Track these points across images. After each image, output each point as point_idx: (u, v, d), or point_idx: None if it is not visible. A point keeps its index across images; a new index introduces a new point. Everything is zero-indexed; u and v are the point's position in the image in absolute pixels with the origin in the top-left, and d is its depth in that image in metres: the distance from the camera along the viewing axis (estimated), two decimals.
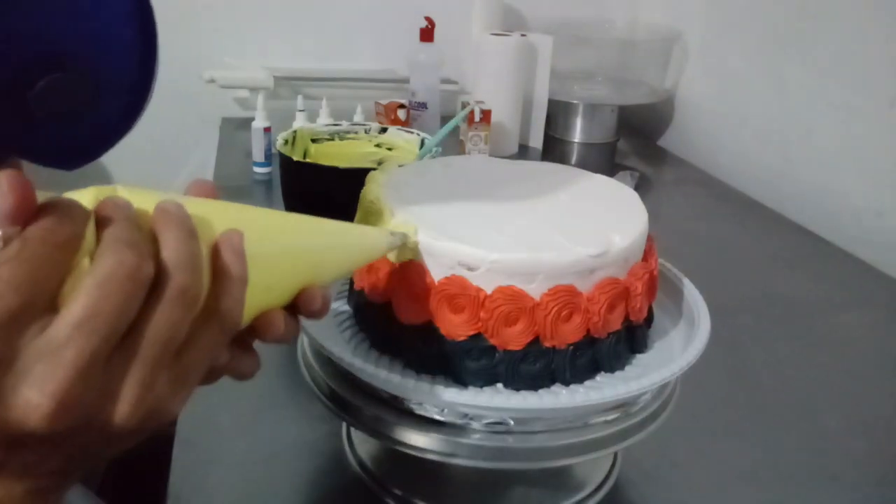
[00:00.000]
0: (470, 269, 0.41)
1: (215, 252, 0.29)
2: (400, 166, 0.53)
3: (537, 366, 0.42)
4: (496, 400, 0.41)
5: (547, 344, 0.42)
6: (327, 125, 0.82)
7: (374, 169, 0.52)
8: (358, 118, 1.10)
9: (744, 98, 1.22)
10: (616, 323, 0.44)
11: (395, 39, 1.36)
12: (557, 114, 1.36)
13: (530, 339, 0.42)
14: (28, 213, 0.24)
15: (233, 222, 0.30)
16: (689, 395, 0.48)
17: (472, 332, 0.42)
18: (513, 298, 0.41)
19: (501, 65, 1.21)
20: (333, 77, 1.33)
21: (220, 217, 0.30)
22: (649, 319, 0.49)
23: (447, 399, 0.40)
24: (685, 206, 1.14)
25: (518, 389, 0.43)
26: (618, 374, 0.46)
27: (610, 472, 0.53)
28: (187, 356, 0.27)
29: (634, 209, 0.49)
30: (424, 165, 0.57)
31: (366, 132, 0.82)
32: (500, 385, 0.43)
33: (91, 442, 0.26)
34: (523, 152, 1.27)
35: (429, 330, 0.43)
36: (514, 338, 0.42)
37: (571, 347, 0.43)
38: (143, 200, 0.28)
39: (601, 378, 0.45)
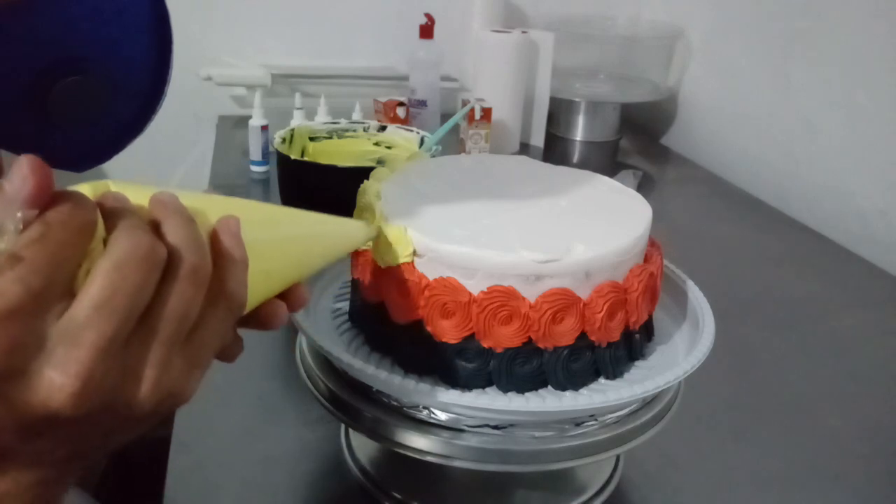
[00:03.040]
0: (417, 255, 0.42)
1: (214, 237, 0.29)
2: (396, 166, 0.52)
3: (473, 365, 0.42)
4: (482, 401, 0.40)
5: (485, 344, 0.42)
6: (325, 123, 0.81)
7: (373, 168, 0.52)
8: (357, 116, 1.10)
9: (747, 96, 1.21)
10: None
11: (394, 36, 1.35)
12: (559, 112, 1.35)
13: (466, 335, 0.42)
14: (47, 197, 0.24)
15: (225, 212, 0.30)
16: (692, 397, 0.47)
17: (414, 318, 0.43)
18: (448, 290, 0.41)
19: (502, 62, 1.20)
20: (332, 74, 1.32)
21: (212, 207, 0.30)
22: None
23: (444, 401, 0.39)
24: (688, 204, 1.13)
25: (464, 388, 0.42)
26: (625, 375, 0.45)
27: (612, 474, 0.52)
28: (199, 337, 0.28)
29: (635, 212, 0.48)
30: (429, 165, 0.56)
31: (364, 130, 0.81)
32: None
33: (110, 425, 0.26)
34: (524, 151, 1.26)
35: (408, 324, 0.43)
36: (447, 330, 0.42)
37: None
38: (137, 195, 0.28)
39: (603, 381, 0.45)
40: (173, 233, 0.27)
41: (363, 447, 0.53)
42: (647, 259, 0.46)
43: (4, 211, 0.23)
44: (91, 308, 0.24)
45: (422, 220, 0.44)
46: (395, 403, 0.42)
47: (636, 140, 1.41)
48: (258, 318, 0.33)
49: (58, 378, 0.23)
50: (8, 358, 0.23)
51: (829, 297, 0.84)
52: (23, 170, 0.23)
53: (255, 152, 1.07)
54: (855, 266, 0.91)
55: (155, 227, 0.27)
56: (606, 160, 1.30)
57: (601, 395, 0.40)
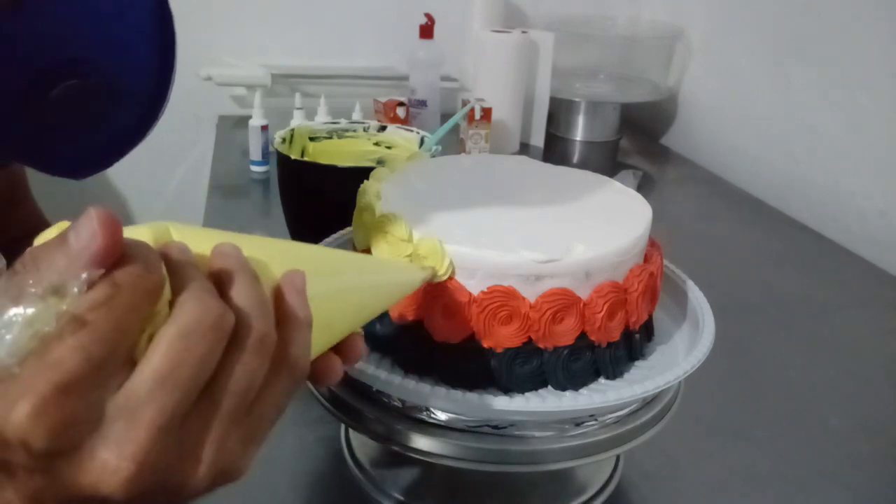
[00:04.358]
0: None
1: (278, 295, 0.27)
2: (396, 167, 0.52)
3: (473, 365, 0.42)
4: (482, 402, 0.40)
5: (485, 344, 0.41)
6: (325, 123, 0.81)
7: (373, 168, 0.51)
8: (357, 116, 1.10)
9: (748, 96, 1.21)
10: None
11: (394, 36, 1.35)
12: (559, 112, 1.35)
13: (466, 335, 0.42)
14: (116, 255, 0.22)
15: (286, 262, 0.28)
16: (692, 397, 0.47)
17: (414, 319, 0.43)
18: (448, 290, 0.41)
19: (502, 62, 1.20)
20: (332, 74, 1.32)
21: (274, 257, 0.28)
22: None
23: (444, 401, 0.39)
24: (688, 205, 1.13)
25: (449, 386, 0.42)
26: (625, 375, 0.45)
27: (612, 474, 0.52)
28: (258, 410, 0.26)
29: (635, 212, 0.48)
30: (429, 165, 0.56)
31: (364, 130, 0.81)
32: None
33: None
34: (524, 151, 1.26)
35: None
36: (447, 330, 0.42)
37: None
38: (197, 241, 0.26)
39: (603, 382, 0.45)
40: (240, 295, 0.25)
41: (363, 447, 0.53)
42: (647, 259, 0.46)
43: (69, 268, 0.21)
44: (153, 381, 0.22)
45: (421, 220, 0.43)
46: (395, 404, 0.42)
47: (636, 140, 1.41)
48: (313, 374, 0.30)
49: (113, 460, 0.21)
50: (62, 435, 0.20)
51: (829, 297, 0.84)
52: (91, 224, 0.21)
53: (255, 152, 1.07)
54: (855, 266, 0.91)
55: (219, 285, 0.25)
56: (606, 160, 1.30)
57: (601, 395, 0.40)
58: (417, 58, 1.21)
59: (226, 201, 1.02)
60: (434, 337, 0.42)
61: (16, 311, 0.20)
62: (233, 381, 0.24)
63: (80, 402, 0.21)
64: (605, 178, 0.53)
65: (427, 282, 0.40)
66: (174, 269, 0.24)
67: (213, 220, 0.93)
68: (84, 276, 0.21)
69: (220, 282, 0.25)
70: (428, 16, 1.20)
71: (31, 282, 0.21)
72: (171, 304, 0.23)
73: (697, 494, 0.53)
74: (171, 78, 0.36)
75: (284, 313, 0.26)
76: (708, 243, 0.97)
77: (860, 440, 0.60)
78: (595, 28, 1.41)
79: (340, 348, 0.32)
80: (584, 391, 0.44)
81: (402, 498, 0.49)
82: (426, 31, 1.20)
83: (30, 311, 0.20)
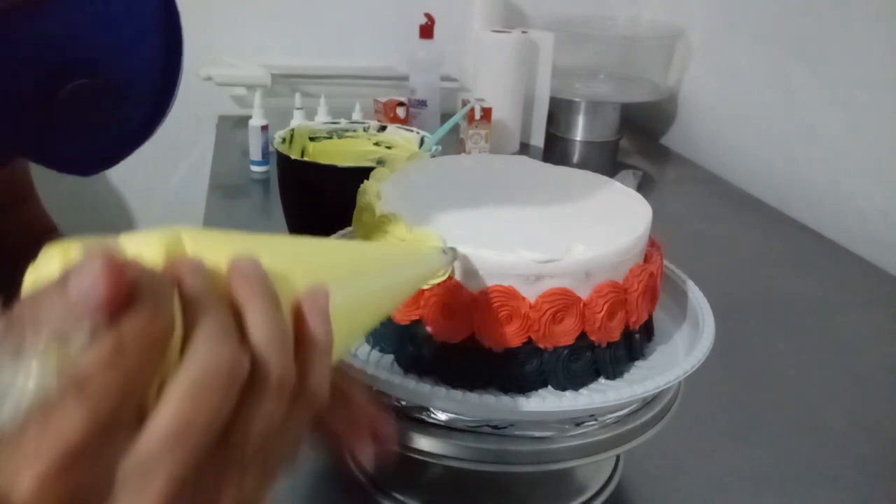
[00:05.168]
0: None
1: (299, 316, 0.25)
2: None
3: (473, 365, 0.42)
4: (482, 401, 0.40)
5: (485, 344, 0.41)
6: (325, 123, 0.81)
7: (373, 168, 0.51)
8: (357, 116, 1.10)
9: (748, 96, 1.21)
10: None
11: (394, 36, 1.35)
12: (559, 112, 1.35)
13: (466, 335, 0.41)
14: (120, 303, 0.20)
15: (308, 269, 0.27)
16: (692, 397, 0.47)
17: (414, 318, 0.43)
18: (448, 290, 0.41)
19: (502, 62, 1.20)
20: (332, 74, 1.32)
21: (295, 263, 0.27)
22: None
23: (444, 401, 0.39)
24: (688, 205, 1.13)
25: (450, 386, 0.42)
26: (624, 375, 0.45)
27: (612, 474, 0.52)
28: (275, 447, 0.24)
29: (635, 212, 0.48)
30: (429, 165, 0.56)
31: (364, 130, 0.81)
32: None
33: None
34: (524, 151, 1.26)
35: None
36: (447, 330, 0.42)
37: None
38: (212, 251, 0.24)
39: (603, 382, 0.45)
40: (258, 328, 0.23)
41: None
42: (647, 259, 0.46)
43: (69, 318, 0.19)
44: (164, 439, 0.20)
45: (421, 219, 0.43)
46: (395, 403, 0.42)
47: (636, 140, 1.41)
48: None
49: None
50: None
51: (829, 297, 0.84)
52: (94, 270, 0.19)
53: (255, 152, 1.07)
54: (855, 266, 0.91)
55: (235, 312, 0.23)
56: (606, 160, 1.30)
57: (601, 395, 0.40)
58: (417, 58, 1.21)
59: (226, 201, 1.02)
60: (434, 337, 0.42)
61: (15, 367, 0.19)
62: (250, 427, 0.23)
63: (87, 469, 0.19)
64: (606, 178, 0.53)
65: (448, 268, 0.40)
66: (187, 301, 0.22)
67: (213, 220, 0.93)
68: (87, 327, 0.19)
69: (237, 310, 0.23)
70: (428, 16, 1.20)
71: (30, 333, 0.19)
72: (184, 343, 0.22)
73: (697, 494, 0.53)
74: (177, 76, 0.36)
75: (304, 337, 0.25)
76: (708, 243, 0.97)
77: (860, 440, 0.60)
78: (595, 28, 1.41)
79: (375, 435, 0.31)
80: (584, 391, 0.44)
81: (402, 498, 0.49)
82: (426, 31, 1.20)
83: (30, 366, 0.19)
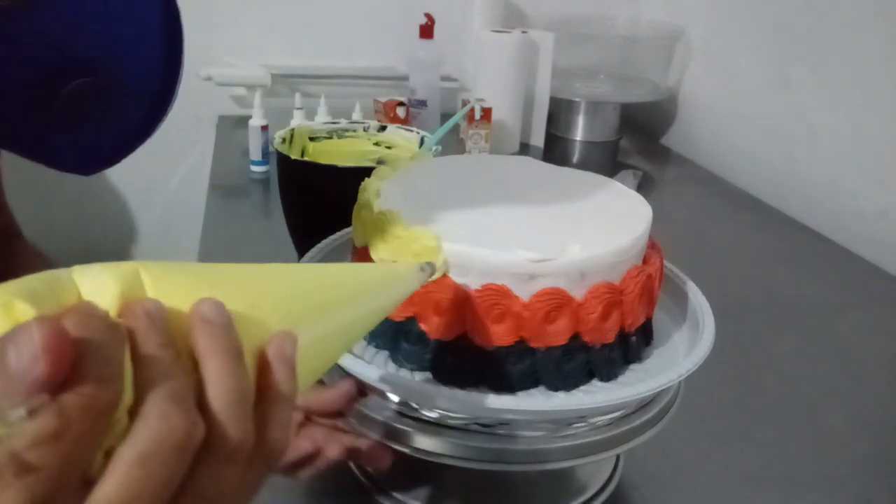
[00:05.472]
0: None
1: (263, 366, 0.24)
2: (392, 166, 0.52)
3: (464, 363, 0.42)
4: (474, 400, 0.40)
5: (478, 342, 0.41)
6: (325, 123, 0.81)
7: (373, 168, 0.51)
8: (357, 116, 1.10)
9: (747, 96, 1.21)
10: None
11: (394, 36, 1.35)
12: (559, 112, 1.35)
13: (458, 333, 0.41)
14: (63, 375, 0.19)
15: (277, 307, 0.25)
16: (693, 397, 0.47)
17: (408, 315, 0.43)
18: (442, 288, 0.41)
19: (502, 62, 1.20)
20: (332, 74, 1.32)
21: (265, 300, 0.25)
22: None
23: (434, 398, 0.39)
24: (688, 205, 1.13)
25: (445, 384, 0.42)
26: (619, 378, 0.45)
27: (612, 474, 0.52)
28: (230, 501, 0.23)
29: (634, 214, 0.47)
30: (430, 165, 0.56)
31: (364, 130, 0.81)
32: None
33: None
34: (524, 151, 1.26)
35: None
36: (440, 328, 0.42)
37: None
38: (173, 290, 0.23)
39: (598, 383, 0.45)
40: (217, 388, 0.22)
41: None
42: (646, 261, 0.46)
43: (7, 392, 0.18)
44: None
45: (418, 217, 0.43)
46: (394, 403, 0.42)
47: (636, 140, 1.41)
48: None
49: None
50: None
51: (829, 297, 0.84)
52: (33, 343, 0.18)
53: (255, 152, 1.07)
54: (855, 266, 0.91)
55: (193, 362, 0.22)
56: (606, 160, 1.30)
57: (600, 395, 0.40)
58: (417, 58, 1.21)
59: (226, 201, 1.02)
60: (428, 334, 0.42)
61: None
62: (202, 494, 0.22)
63: None
64: (606, 178, 0.53)
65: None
66: (140, 358, 0.21)
67: (212, 219, 0.93)
68: (25, 405, 0.18)
69: (194, 359, 0.22)
70: (428, 16, 1.20)
71: None
72: (136, 405, 0.20)
73: (697, 494, 0.53)
74: (178, 75, 0.36)
75: (267, 390, 0.24)
76: (708, 243, 0.97)
77: (860, 440, 0.60)
78: (595, 28, 1.41)
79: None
80: (582, 391, 0.43)
81: (401, 498, 0.49)
82: (426, 31, 1.20)
83: None
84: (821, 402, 0.64)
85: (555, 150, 1.30)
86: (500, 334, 0.41)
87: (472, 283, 0.41)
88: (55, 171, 0.37)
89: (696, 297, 0.49)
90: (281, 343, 0.25)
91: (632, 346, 0.46)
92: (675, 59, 1.37)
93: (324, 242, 0.54)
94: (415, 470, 0.50)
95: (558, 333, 0.41)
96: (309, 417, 0.44)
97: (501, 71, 1.20)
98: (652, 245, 0.47)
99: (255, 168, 1.08)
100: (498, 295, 0.40)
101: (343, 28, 1.36)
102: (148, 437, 0.20)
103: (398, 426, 0.41)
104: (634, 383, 0.41)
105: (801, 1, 1.07)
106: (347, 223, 0.50)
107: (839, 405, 0.64)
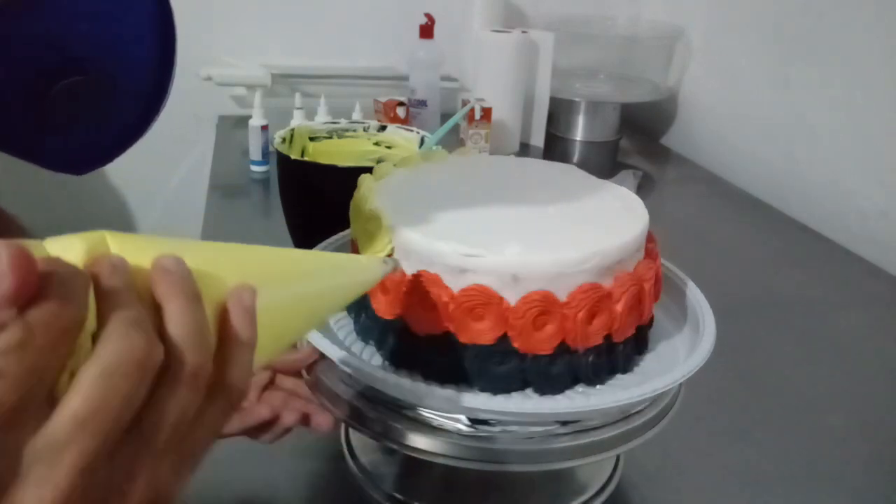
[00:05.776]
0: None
1: (223, 314, 0.26)
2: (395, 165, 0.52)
3: (448, 360, 0.42)
4: (465, 400, 0.40)
5: (462, 340, 0.41)
6: (325, 123, 0.81)
7: (373, 168, 0.51)
8: (357, 116, 1.10)
9: (748, 96, 1.21)
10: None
11: (394, 36, 1.35)
12: (559, 112, 1.35)
13: (442, 331, 0.42)
14: (29, 294, 0.20)
15: (237, 271, 0.27)
16: (692, 397, 0.47)
17: (397, 314, 0.43)
18: (430, 286, 0.41)
19: (502, 62, 1.20)
20: (332, 74, 1.32)
21: (224, 265, 0.27)
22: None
23: (424, 397, 0.39)
24: (688, 205, 1.13)
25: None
26: (618, 379, 0.45)
27: (612, 474, 0.52)
28: (192, 437, 0.25)
29: (629, 217, 0.47)
30: (430, 164, 0.56)
31: (364, 130, 0.81)
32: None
33: None
34: (524, 150, 1.26)
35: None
36: (427, 326, 0.42)
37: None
38: (137, 252, 0.24)
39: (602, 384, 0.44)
40: (175, 321, 0.24)
41: (363, 447, 0.53)
42: (643, 262, 0.46)
43: None
44: (73, 423, 0.21)
45: (405, 217, 0.44)
46: (394, 403, 0.42)
47: (636, 140, 1.41)
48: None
49: None
50: None
51: (829, 297, 0.84)
52: (1, 264, 0.20)
53: (255, 152, 1.07)
54: (855, 266, 0.91)
55: (154, 306, 0.24)
56: (606, 160, 1.30)
57: (600, 397, 0.40)
58: (417, 58, 1.21)
59: (226, 201, 1.02)
60: (414, 330, 0.43)
61: None
62: (163, 415, 0.23)
63: None
64: (605, 181, 0.53)
65: (390, 274, 0.40)
66: (103, 293, 0.22)
67: (213, 219, 0.93)
68: None
69: (156, 305, 0.24)
70: (428, 16, 1.20)
71: None
72: (98, 334, 0.22)
73: (697, 494, 0.53)
74: (171, 73, 0.36)
75: (227, 334, 0.26)
76: (708, 243, 0.97)
77: (860, 440, 0.60)
78: (595, 28, 1.41)
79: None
80: (582, 391, 0.43)
81: (402, 498, 0.49)
82: (426, 31, 1.20)
83: None
84: (821, 402, 0.64)
85: (555, 150, 1.30)
86: (481, 332, 0.41)
87: (410, 268, 0.42)
88: (50, 171, 0.37)
89: (696, 298, 0.49)
90: (240, 292, 0.26)
91: (618, 353, 0.44)
92: (675, 59, 1.37)
93: (324, 243, 0.54)
94: (414, 470, 0.50)
95: (543, 336, 0.41)
96: (274, 378, 0.47)
97: (501, 71, 1.20)
98: (648, 253, 0.46)
99: (255, 168, 1.08)
100: (482, 295, 0.40)
101: (343, 28, 1.36)
102: (110, 352, 0.21)
103: (395, 425, 0.41)
104: (640, 382, 0.41)
105: (801, 1, 1.07)
106: (347, 223, 0.50)
107: (839, 405, 0.64)
